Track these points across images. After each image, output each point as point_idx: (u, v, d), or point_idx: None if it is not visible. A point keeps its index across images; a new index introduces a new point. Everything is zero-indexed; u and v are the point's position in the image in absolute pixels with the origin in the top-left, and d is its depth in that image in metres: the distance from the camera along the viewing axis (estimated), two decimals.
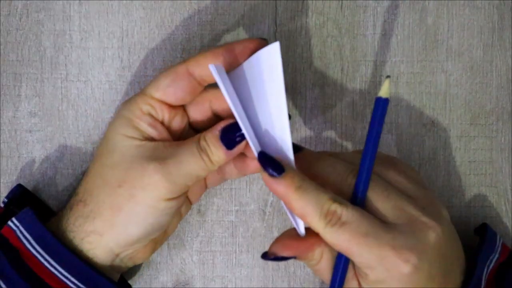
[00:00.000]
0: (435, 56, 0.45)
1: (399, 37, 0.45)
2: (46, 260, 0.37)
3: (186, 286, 0.45)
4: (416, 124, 0.45)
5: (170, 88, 0.38)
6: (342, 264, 0.37)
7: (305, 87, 0.45)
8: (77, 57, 0.44)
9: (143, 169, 0.36)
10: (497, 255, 0.40)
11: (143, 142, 0.38)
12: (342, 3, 0.45)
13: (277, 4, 0.45)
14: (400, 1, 0.45)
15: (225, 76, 0.37)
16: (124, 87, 0.45)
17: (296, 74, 0.45)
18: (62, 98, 0.45)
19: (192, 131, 0.41)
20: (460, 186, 0.45)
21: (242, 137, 0.37)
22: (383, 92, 0.36)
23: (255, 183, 0.45)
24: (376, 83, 0.45)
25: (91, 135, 0.45)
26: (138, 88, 0.45)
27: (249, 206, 0.45)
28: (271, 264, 0.45)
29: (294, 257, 0.38)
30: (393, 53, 0.45)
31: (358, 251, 0.35)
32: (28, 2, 0.44)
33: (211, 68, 0.36)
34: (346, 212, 0.35)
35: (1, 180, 0.44)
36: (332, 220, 0.35)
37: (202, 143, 0.37)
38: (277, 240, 0.38)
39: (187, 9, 0.45)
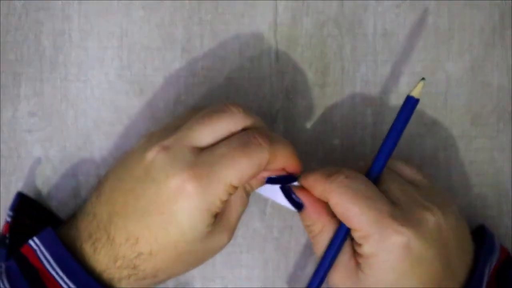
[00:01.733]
0: (436, 56, 0.45)
1: (399, 37, 0.45)
2: (65, 283, 0.36)
3: (186, 286, 0.45)
4: (417, 124, 0.45)
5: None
6: (340, 233, 0.38)
7: (305, 87, 0.45)
8: (77, 57, 0.44)
9: (220, 242, 0.38)
10: (497, 254, 0.41)
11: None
12: (342, 2, 0.45)
13: (277, 4, 0.45)
14: (401, 1, 0.45)
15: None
16: (123, 87, 0.45)
17: (296, 74, 0.45)
18: (61, 98, 0.44)
19: None
20: (461, 186, 0.45)
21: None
22: (416, 92, 0.38)
23: None
24: (376, 83, 0.45)
25: (90, 135, 0.45)
26: (138, 88, 0.45)
27: (249, 206, 0.45)
28: (271, 264, 0.45)
29: (300, 205, 0.39)
30: (394, 53, 0.45)
31: (359, 212, 0.36)
32: (28, 1, 0.44)
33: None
34: (351, 173, 0.37)
35: (1, 180, 0.44)
36: (337, 178, 0.37)
37: (249, 189, 0.39)
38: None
39: (187, 9, 0.45)
